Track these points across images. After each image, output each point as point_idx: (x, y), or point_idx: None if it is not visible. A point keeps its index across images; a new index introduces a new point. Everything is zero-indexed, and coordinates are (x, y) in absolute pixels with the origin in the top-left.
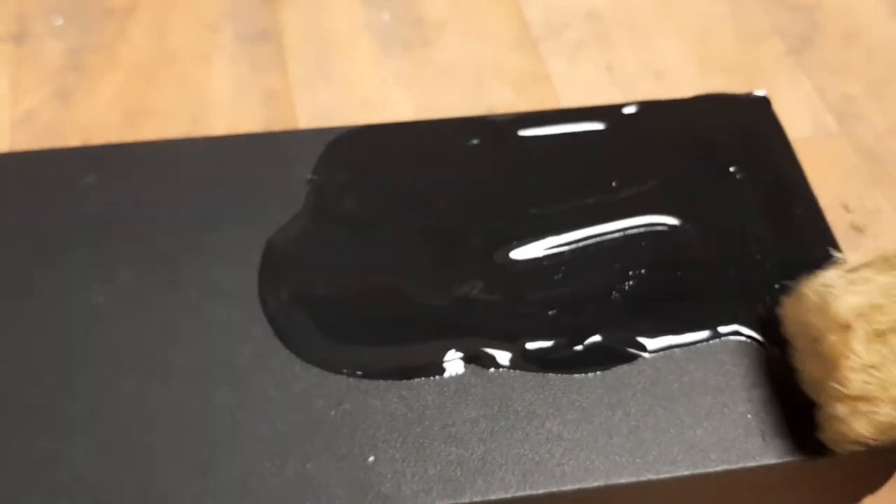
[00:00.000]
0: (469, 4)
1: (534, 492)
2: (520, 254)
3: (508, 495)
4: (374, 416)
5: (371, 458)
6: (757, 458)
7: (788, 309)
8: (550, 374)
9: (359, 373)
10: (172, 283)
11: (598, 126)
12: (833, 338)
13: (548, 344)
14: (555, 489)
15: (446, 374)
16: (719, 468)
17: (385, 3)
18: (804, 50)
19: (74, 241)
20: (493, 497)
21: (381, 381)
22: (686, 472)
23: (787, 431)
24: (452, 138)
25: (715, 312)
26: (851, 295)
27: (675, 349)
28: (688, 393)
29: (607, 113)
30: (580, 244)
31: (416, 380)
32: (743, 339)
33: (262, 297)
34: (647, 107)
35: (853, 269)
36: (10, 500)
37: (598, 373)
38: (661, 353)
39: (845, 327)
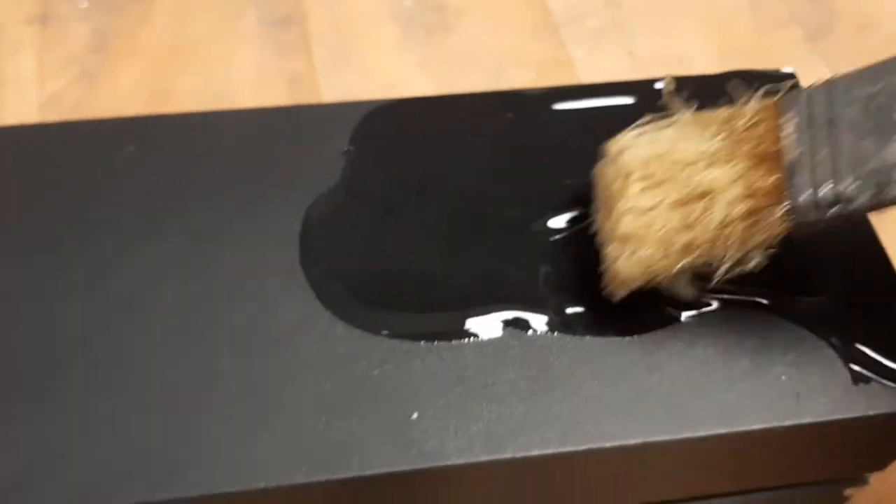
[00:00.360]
0: None
1: (574, 448)
2: (556, 223)
3: (549, 452)
4: (416, 376)
5: (415, 416)
6: (791, 417)
7: (597, 170)
8: (588, 337)
9: (399, 334)
10: (215, 249)
11: (629, 100)
12: (615, 184)
13: (585, 308)
14: (594, 446)
15: (486, 337)
16: (754, 427)
17: None
18: (821, 38)
19: (117, 209)
20: (534, 453)
21: (422, 343)
22: (722, 431)
23: (821, 392)
24: (488, 111)
25: (748, 278)
26: (641, 147)
27: (710, 313)
28: (722, 355)
29: (639, 88)
30: None
31: (456, 342)
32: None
33: (302, 263)
34: (677, 82)
35: (652, 129)
36: (67, 454)
37: (635, 336)
38: (697, 316)
39: (627, 174)
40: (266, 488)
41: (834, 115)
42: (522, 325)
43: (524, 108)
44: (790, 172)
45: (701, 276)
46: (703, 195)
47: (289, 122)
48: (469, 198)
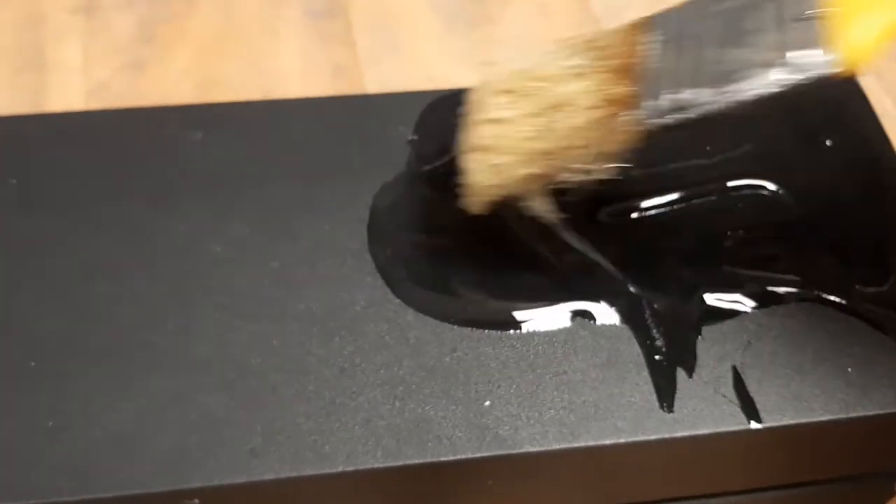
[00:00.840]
0: None
1: (647, 437)
2: (621, 214)
3: (622, 440)
4: (488, 364)
5: (487, 403)
6: (859, 408)
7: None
8: (657, 328)
9: (468, 322)
10: (285, 234)
11: None
12: (477, 99)
13: (654, 300)
14: (667, 435)
15: (555, 326)
16: (824, 418)
17: None
18: None
19: (188, 193)
20: (607, 442)
21: (492, 332)
22: (792, 422)
23: (888, 385)
24: None
25: (811, 273)
26: (506, 66)
27: (776, 307)
28: (789, 348)
29: None
30: (680, 204)
31: (526, 331)
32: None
33: (371, 249)
34: None
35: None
36: (142, 432)
37: (703, 327)
38: (762, 310)
39: (488, 89)
40: (342, 472)
41: (697, 30)
42: (591, 314)
43: None
44: (644, 83)
45: (557, 192)
46: (559, 105)
47: (351, 111)
48: None
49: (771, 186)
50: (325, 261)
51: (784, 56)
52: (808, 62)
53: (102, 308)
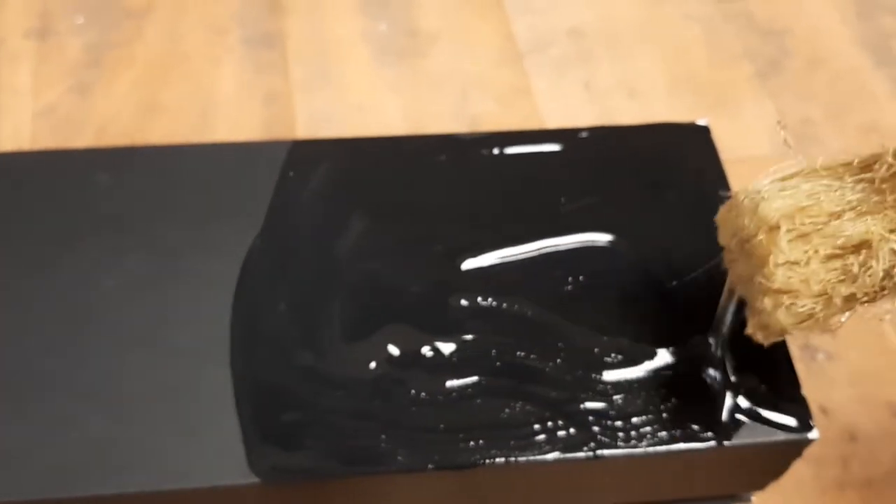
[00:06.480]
0: (460, 18)
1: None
2: (478, 262)
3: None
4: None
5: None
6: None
7: (723, 215)
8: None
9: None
10: (175, 272)
11: (555, 147)
12: (761, 237)
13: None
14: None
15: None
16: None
17: (382, 14)
18: (771, 74)
19: (89, 231)
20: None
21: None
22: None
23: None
24: (423, 154)
25: (646, 321)
26: (779, 199)
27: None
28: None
29: (564, 136)
30: (528, 255)
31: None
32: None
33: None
34: (599, 132)
35: (783, 178)
36: (31, 450)
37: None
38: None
39: (773, 227)
40: (198, 489)
41: None
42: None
43: (459, 151)
44: None
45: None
46: (858, 246)
47: (251, 158)
48: (402, 239)
49: (611, 238)
50: (210, 298)
51: None
52: None
53: (2, 335)
